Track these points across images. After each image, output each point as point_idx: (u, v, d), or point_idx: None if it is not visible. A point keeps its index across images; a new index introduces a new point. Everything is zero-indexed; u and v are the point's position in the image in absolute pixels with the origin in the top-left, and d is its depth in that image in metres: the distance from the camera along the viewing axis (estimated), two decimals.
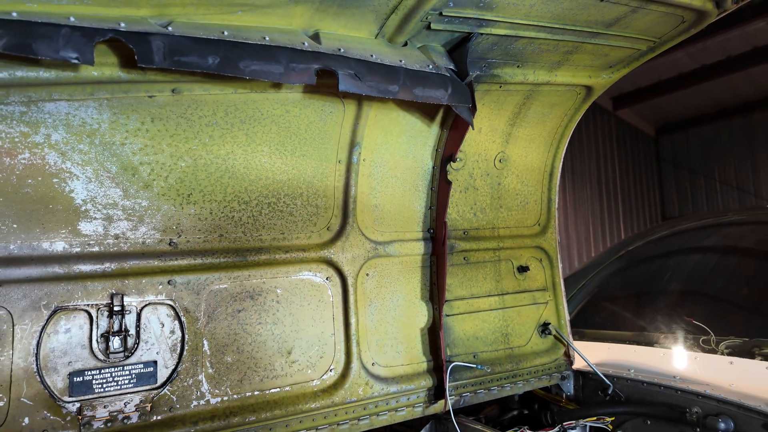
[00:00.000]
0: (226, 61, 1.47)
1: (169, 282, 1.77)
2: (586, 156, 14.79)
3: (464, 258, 2.53)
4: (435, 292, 2.37)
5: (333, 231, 2.15)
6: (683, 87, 14.39)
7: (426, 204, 2.41)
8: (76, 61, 1.27)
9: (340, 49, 1.69)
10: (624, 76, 2.58)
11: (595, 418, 2.35)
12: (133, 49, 1.35)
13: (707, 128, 16.25)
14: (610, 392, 2.48)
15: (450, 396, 2.23)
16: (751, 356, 2.54)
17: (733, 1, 1.96)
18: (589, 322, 3.57)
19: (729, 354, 2.64)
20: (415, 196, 2.38)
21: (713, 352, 2.72)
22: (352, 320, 2.13)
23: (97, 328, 1.64)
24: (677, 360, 2.64)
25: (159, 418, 1.70)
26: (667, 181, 17.34)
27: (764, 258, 3.59)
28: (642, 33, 2.14)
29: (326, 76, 1.68)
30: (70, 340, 1.60)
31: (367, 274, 2.23)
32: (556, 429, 2.32)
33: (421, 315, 2.35)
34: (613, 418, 2.38)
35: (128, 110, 1.65)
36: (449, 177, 2.36)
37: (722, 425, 2.03)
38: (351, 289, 2.15)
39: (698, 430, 2.12)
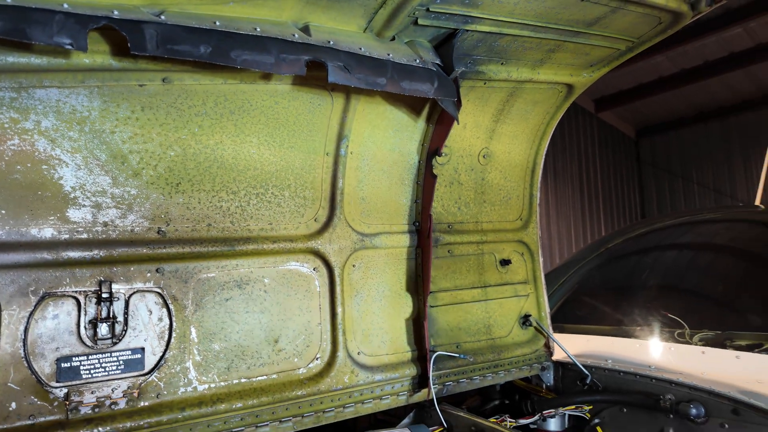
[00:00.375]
0: (218, 50, 1.49)
1: (157, 270, 1.79)
2: (568, 157, 15.02)
3: (448, 251, 2.59)
4: (420, 284, 2.42)
5: (320, 222, 2.18)
6: (663, 90, 14.72)
7: (412, 197, 2.45)
8: (69, 47, 1.28)
9: (329, 42, 1.73)
10: (605, 79, 2.67)
11: (573, 407, 2.43)
12: (126, 37, 1.37)
13: (686, 131, 16.63)
14: (588, 382, 2.56)
15: (433, 385, 2.28)
16: (723, 347, 2.64)
17: (706, 3, 2.04)
18: (569, 316, 3.66)
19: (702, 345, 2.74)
20: (401, 190, 2.43)
21: (687, 343, 2.81)
22: (339, 310, 2.17)
23: (85, 314, 1.65)
24: (653, 350, 2.73)
25: (146, 404, 1.71)
26: (647, 182, 17.69)
27: (737, 254, 3.72)
28: (621, 33, 2.22)
29: (315, 68, 1.72)
30: (58, 326, 1.61)
31: (354, 266, 2.26)
32: (536, 417, 2.38)
33: (406, 306, 2.39)
34: (591, 407, 2.45)
35: (119, 98, 1.67)
36: (434, 171, 2.42)
37: (693, 411, 2.12)
38: (338, 280, 2.19)
39: (671, 416, 2.20)
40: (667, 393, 2.24)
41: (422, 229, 2.44)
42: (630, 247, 4.19)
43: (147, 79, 1.67)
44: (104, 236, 1.70)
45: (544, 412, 2.39)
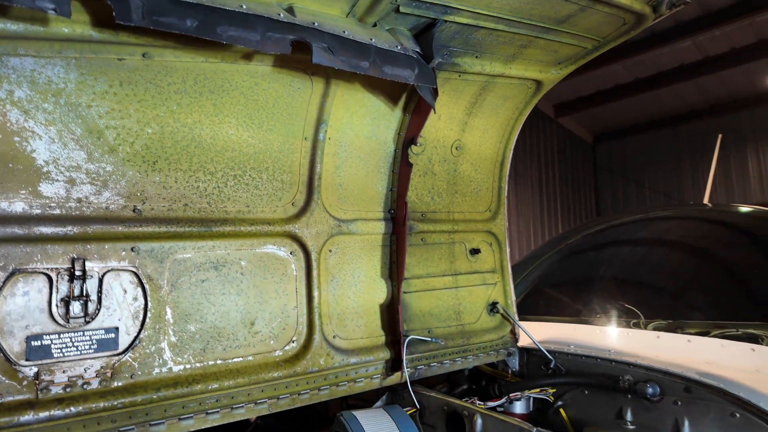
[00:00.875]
0: (205, 24, 1.49)
1: (132, 249, 1.76)
2: (529, 160, 15.46)
3: (422, 239, 2.64)
4: (394, 270, 2.46)
5: (298, 207, 2.19)
6: (619, 98, 15.38)
7: (387, 185, 2.50)
8: (52, 12, 1.25)
9: (314, 23, 1.74)
10: (565, 85, 2.82)
11: (538, 390, 2.52)
12: (111, 6, 1.35)
13: (639, 138, 17.42)
14: (552, 366, 2.67)
15: (406, 368, 2.32)
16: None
17: (667, 6, 2.18)
18: (531, 309, 3.79)
19: None
20: (377, 178, 2.46)
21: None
22: (315, 294, 2.18)
23: (57, 292, 1.60)
24: (612, 336, 2.87)
25: (120, 384, 1.68)
26: (603, 185, 18.41)
27: (687, 249, 3.95)
28: (588, 32, 2.33)
29: (298, 50, 1.73)
30: (28, 303, 1.56)
31: (330, 251, 2.28)
32: (503, 400, 2.46)
33: (380, 291, 2.43)
34: (554, 390, 2.56)
35: (96, 72, 1.63)
36: (410, 160, 2.47)
37: (650, 390, 2.24)
38: (314, 264, 2.20)
39: (629, 396, 2.32)
40: (626, 374, 2.36)
41: (397, 217, 2.48)
42: (588, 243, 4.38)
43: (127, 54, 1.64)
44: (78, 213, 1.65)
45: (510, 395, 2.47)
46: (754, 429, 2.00)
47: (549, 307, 3.76)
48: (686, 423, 2.14)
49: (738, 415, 2.05)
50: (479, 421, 2.06)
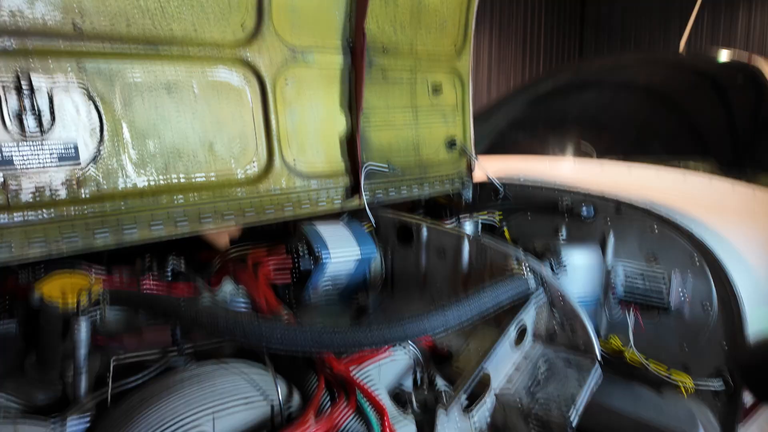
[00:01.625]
0: None
1: (78, 66, 1.74)
2: (515, 13, 14.63)
3: (382, 75, 2.64)
4: (353, 102, 2.50)
5: (247, 30, 2.13)
6: None
7: (346, 12, 2.41)
8: None
9: None
10: None
11: (486, 213, 2.76)
12: None
13: None
14: (501, 196, 2.88)
15: (365, 193, 2.49)
16: None
17: None
18: (491, 150, 3.93)
19: None
20: (333, 3, 2.37)
21: None
22: (273, 122, 2.23)
23: (7, 105, 1.62)
24: (560, 168, 3.07)
25: (87, 194, 1.78)
26: (588, 44, 17.77)
27: (650, 93, 4.03)
28: None
29: None
30: None
31: (287, 81, 2.28)
32: (453, 220, 2.70)
33: (339, 123, 2.49)
34: (501, 215, 2.80)
35: None
36: None
37: (585, 211, 2.48)
38: (270, 94, 2.21)
39: (566, 216, 2.57)
40: (565, 198, 2.59)
41: (356, 47, 2.44)
42: (557, 87, 4.41)
43: None
44: (13, 26, 1.60)
45: (460, 216, 2.71)
46: (665, 240, 2.28)
47: (508, 147, 3.91)
48: (611, 235, 2.42)
49: (656, 229, 2.31)
50: (425, 231, 2.28)
